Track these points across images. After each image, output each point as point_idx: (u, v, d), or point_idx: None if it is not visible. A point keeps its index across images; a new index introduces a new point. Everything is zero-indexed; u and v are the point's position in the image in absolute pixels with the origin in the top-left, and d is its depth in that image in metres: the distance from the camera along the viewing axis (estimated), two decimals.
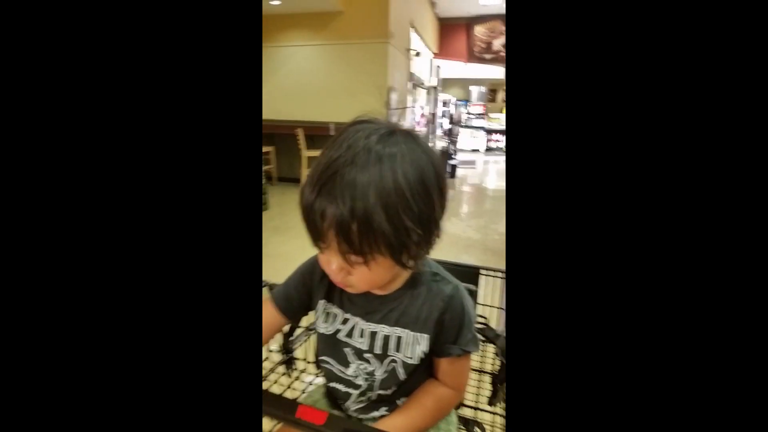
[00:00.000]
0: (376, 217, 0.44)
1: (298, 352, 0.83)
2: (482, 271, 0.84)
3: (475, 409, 0.82)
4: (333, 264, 0.50)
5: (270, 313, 0.61)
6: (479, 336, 0.59)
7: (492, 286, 0.84)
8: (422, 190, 0.46)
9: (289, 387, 0.84)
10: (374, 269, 0.49)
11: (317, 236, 0.48)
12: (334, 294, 0.59)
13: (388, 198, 0.44)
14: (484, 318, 0.76)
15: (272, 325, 0.62)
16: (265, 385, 0.78)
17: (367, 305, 0.57)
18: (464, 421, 0.76)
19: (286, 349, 0.80)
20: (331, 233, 0.46)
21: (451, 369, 0.57)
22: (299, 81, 5.33)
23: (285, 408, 0.42)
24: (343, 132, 0.49)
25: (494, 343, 0.71)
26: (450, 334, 0.55)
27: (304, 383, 0.84)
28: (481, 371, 0.86)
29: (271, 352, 0.82)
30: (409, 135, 0.49)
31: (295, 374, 0.84)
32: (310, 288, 0.61)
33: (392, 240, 0.45)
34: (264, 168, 4.69)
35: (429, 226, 0.48)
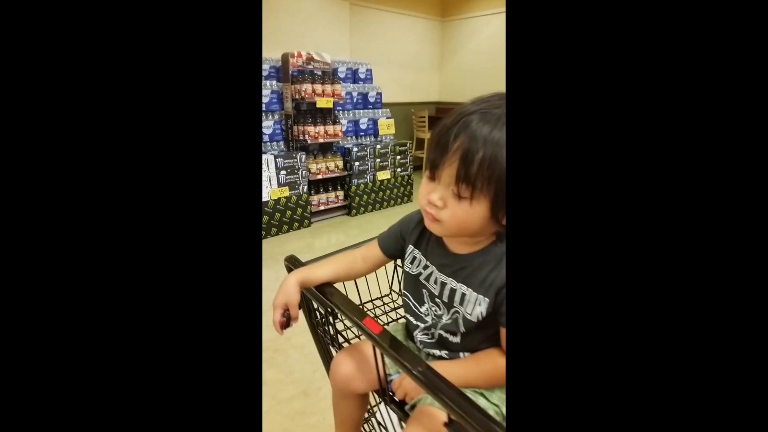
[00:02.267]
0: (500, 156, 0.51)
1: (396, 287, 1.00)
2: None
3: None
4: (435, 194, 0.57)
5: (376, 252, 0.77)
6: None
7: None
8: None
9: (394, 321, 1.02)
10: (470, 211, 0.55)
11: (437, 163, 0.55)
12: (422, 242, 0.70)
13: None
14: None
15: (376, 261, 0.78)
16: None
17: (443, 258, 0.66)
18: None
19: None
20: (454, 159, 0.53)
21: None
22: (484, 58, 5.16)
23: (357, 314, 0.58)
24: (477, 99, 0.57)
25: None
26: None
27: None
28: None
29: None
30: None
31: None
32: (405, 235, 0.74)
33: (501, 185, 0.52)
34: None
35: None
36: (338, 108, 3.85)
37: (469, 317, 0.63)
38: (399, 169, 4.08)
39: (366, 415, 0.87)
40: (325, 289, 0.68)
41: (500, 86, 0.56)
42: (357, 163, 3.70)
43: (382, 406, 0.78)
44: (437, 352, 0.70)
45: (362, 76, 4.17)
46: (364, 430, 0.88)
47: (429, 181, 0.59)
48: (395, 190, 4.12)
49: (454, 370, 0.62)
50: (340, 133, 3.63)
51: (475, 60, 5.32)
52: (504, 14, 4.88)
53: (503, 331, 0.61)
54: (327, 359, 0.87)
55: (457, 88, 5.63)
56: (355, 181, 3.73)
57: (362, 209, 3.87)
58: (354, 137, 3.98)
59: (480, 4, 5.15)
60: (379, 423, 0.81)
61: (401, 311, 1.03)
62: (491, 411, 0.62)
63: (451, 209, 0.57)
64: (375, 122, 4.06)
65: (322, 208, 3.64)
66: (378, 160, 3.86)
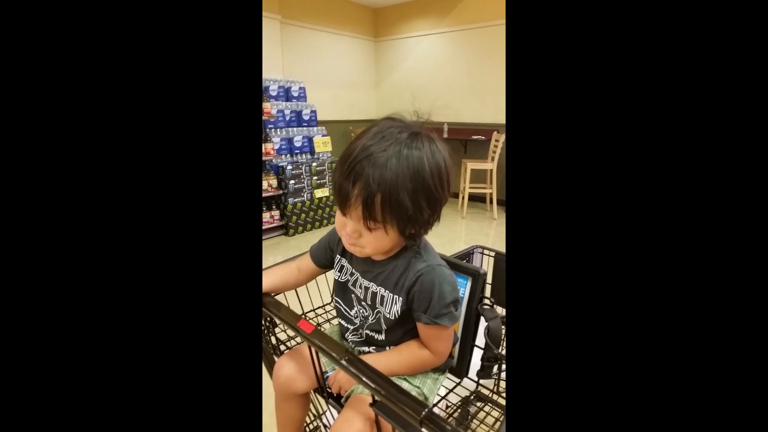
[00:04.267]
0: (401, 195, 0.61)
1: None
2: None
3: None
4: (348, 227, 0.68)
5: (309, 263, 0.87)
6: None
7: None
8: (438, 181, 0.64)
9: (327, 321, 1.11)
10: (382, 237, 0.67)
11: (345, 205, 0.65)
12: (347, 252, 0.78)
13: (411, 183, 0.61)
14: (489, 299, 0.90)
15: (311, 272, 0.88)
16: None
17: (364, 265, 0.78)
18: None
19: None
20: (358, 201, 0.63)
21: (425, 334, 0.75)
22: (419, 75, 5.44)
23: (291, 318, 0.67)
24: (376, 125, 0.67)
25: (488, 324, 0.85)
26: (421, 304, 0.71)
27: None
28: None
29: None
30: (430, 137, 0.67)
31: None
32: (333, 246, 0.84)
33: (408, 215, 0.63)
34: None
35: (435, 208, 0.67)
36: (269, 126, 3.89)
37: (388, 315, 0.75)
38: None
39: (313, 420, 0.95)
40: (264, 299, 0.76)
41: (435, 102, 0.67)
42: (292, 182, 3.75)
43: (328, 413, 0.87)
44: (366, 349, 0.81)
45: (295, 94, 4.25)
46: None
47: (341, 215, 0.69)
48: (334, 207, 4.20)
49: (379, 360, 0.73)
50: (272, 152, 3.67)
51: (410, 78, 5.62)
52: (433, 35, 5.23)
53: (419, 326, 0.74)
54: (271, 368, 0.94)
55: (394, 105, 5.87)
56: (291, 199, 3.77)
57: (300, 228, 3.91)
58: (288, 155, 4.03)
59: (410, 26, 5.47)
60: (325, 426, 0.89)
61: None
62: (414, 392, 0.75)
63: (365, 238, 0.68)
64: (310, 140, 4.15)
65: None
66: (315, 177, 3.93)
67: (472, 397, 0.99)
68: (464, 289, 0.89)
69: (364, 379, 0.57)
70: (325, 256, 0.86)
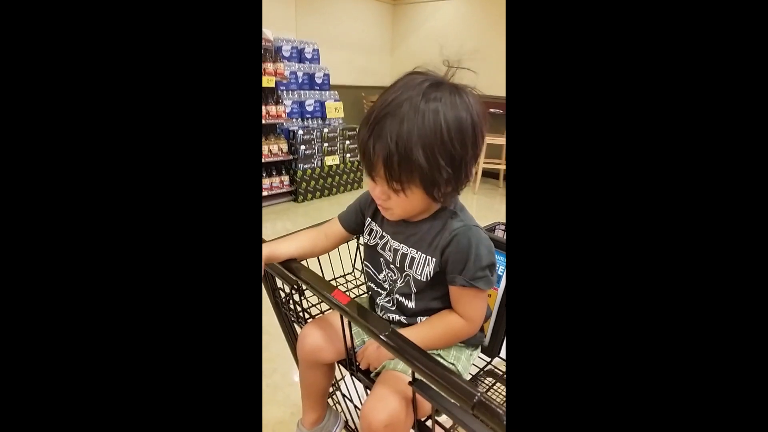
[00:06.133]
0: (414, 153, 0.58)
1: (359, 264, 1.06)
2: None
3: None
4: (377, 189, 0.68)
5: (337, 228, 0.84)
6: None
7: None
8: (458, 137, 0.60)
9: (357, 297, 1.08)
10: (409, 198, 0.65)
11: (370, 167, 0.65)
12: (378, 215, 0.78)
13: (425, 139, 0.58)
14: None
15: (339, 237, 0.85)
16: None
17: (396, 227, 0.75)
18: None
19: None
20: (380, 164, 0.62)
21: (458, 297, 0.71)
22: (437, 43, 5.17)
23: (326, 287, 0.63)
24: (398, 80, 0.64)
25: None
26: (456, 265, 0.68)
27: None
28: None
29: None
30: (455, 88, 0.63)
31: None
32: (363, 210, 0.82)
33: (426, 174, 0.60)
34: None
35: (459, 168, 0.63)
36: (282, 88, 3.78)
37: (419, 278, 0.72)
38: (349, 155, 4.10)
39: (330, 389, 0.93)
40: (291, 265, 0.72)
41: (453, 62, 0.63)
42: (303, 147, 3.68)
43: (346, 378, 0.84)
44: (396, 317, 0.78)
45: (309, 55, 4.12)
46: (329, 402, 0.93)
47: (370, 179, 0.69)
48: (345, 176, 4.14)
49: (412, 334, 0.69)
50: (283, 115, 3.58)
51: (427, 45, 5.42)
52: (453, 2, 5.02)
53: (452, 290, 0.71)
54: (291, 337, 0.91)
55: None
56: (301, 165, 3.71)
57: (309, 195, 3.86)
58: (300, 119, 3.94)
59: None
60: (344, 396, 0.86)
61: (363, 288, 1.10)
62: None
63: (393, 200, 0.67)
64: (322, 104, 4.04)
65: (266, 193, 3.59)
66: (326, 144, 3.85)
67: (480, 374, 0.97)
68: (504, 267, 0.85)
69: (406, 356, 0.53)
70: (356, 220, 0.83)
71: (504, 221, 1.29)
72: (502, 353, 0.90)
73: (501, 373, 0.95)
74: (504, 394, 0.95)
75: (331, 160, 3.94)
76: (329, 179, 3.99)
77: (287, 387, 1.50)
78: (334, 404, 0.98)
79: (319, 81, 4.11)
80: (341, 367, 0.82)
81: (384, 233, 0.77)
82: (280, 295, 0.84)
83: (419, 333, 0.70)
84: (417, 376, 0.56)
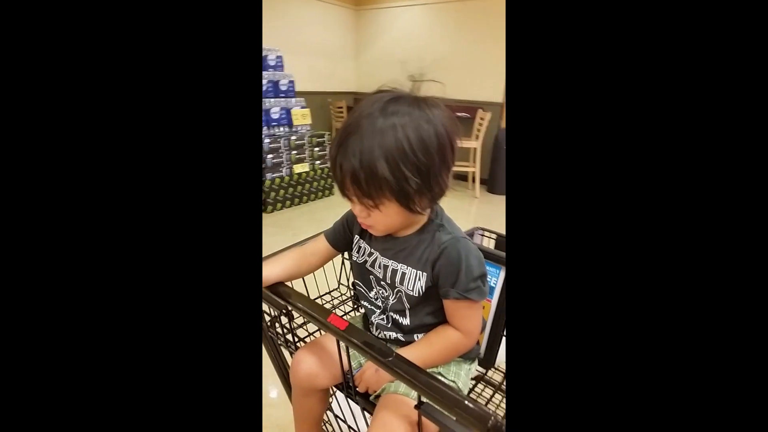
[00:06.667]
0: (378, 167, 0.58)
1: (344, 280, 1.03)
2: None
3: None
4: (355, 208, 0.67)
5: (323, 245, 0.82)
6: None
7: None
8: (421, 147, 0.59)
9: (346, 314, 1.04)
10: (385, 212, 0.64)
11: (341, 186, 0.64)
12: (366, 232, 0.76)
13: (387, 152, 0.58)
14: None
15: (325, 254, 0.83)
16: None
17: (384, 243, 0.74)
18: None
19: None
20: (348, 182, 0.61)
21: (454, 311, 0.70)
22: (401, 48, 5.19)
23: (321, 312, 0.59)
24: (363, 99, 0.64)
25: None
26: (448, 278, 0.67)
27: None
28: None
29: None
30: (415, 100, 0.62)
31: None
32: (351, 226, 0.80)
33: (393, 186, 0.59)
34: None
35: (428, 177, 0.61)
36: None
37: (411, 293, 0.71)
38: (318, 162, 4.04)
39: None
40: (279, 289, 0.69)
41: (416, 75, 0.62)
42: (270, 156, 3.59)
43: (338, 396, 0.81)
44: (393, 335, 0.76)
45: (272, 63, 4.03)
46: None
47: (348, 198, 0.67)
48: (315, 183, 4.07)
49: (411, 353, 0.67)
50: None
51: (392, 49, 5.45)
52: (417, 6, 5.07)
53: (447, 303, 0.70)
54: (278, 361, 0.87)
55: (374, 77, 5.70)
56: (269, 175, 3.62)
57: (279, 205, 3.78)
58: (265, 128, 3.85)
59: None
60: (336, 416, 0.83)
61: (350, 304, 1.07)
62: None
63: (373, 216, 0.66)
64: (288, 111, 3.97)
65: None
66: (294, 152, 3.79)
67: (477, 386, 0.96)
68: (496, 278, 0.84)
69: (414, 382, 0.51)
70: (344, 238, 0.81)
71: (482, 226, 1.30)
72: (497, 363, 0.89)
73: (497, 383, 0.94)
74: (503, 405, 0.94)
75: (300, 168, 3.87)
76: (299, 187, 3.92)
77: (267, 407, 1.45)
78: (324, 425, 0.94)
79: (284, 88, 4.03)
80: (337, 389, 0.78)
81: (372, 250, 0.76)
82: (265, 318, 0.80)
83: (420, 352, 0.69)
84: (424, 399, 0.53)
